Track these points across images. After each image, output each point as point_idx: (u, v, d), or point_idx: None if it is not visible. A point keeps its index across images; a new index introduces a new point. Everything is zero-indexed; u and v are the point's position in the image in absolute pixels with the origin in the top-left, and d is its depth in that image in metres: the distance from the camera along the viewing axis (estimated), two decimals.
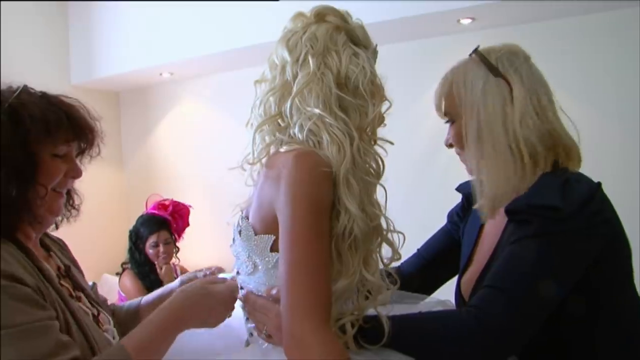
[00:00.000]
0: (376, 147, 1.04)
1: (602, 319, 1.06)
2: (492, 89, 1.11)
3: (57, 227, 1.19)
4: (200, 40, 3.53)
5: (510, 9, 2.80)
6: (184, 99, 4.22)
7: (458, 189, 1.39)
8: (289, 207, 0.91)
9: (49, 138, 1.02)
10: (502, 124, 1.10)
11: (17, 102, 1.00)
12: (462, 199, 1.38)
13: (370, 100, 1.01)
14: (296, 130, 0.99)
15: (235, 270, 1.11)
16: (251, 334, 1.08)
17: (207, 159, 4.03)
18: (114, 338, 1.12)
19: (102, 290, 1.38)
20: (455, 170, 1.35)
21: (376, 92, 1.02)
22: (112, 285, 3.32)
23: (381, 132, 1.05)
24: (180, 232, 3.25)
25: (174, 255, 3.20)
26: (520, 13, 2.87)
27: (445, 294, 1.30)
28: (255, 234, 1.00)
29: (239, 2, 3.31)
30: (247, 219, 1.03)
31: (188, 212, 3.28)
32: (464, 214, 1.36)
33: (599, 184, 1.08)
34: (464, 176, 1.29)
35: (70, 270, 1.14)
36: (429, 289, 1.35)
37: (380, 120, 1.03)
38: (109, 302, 1.32)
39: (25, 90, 1.04)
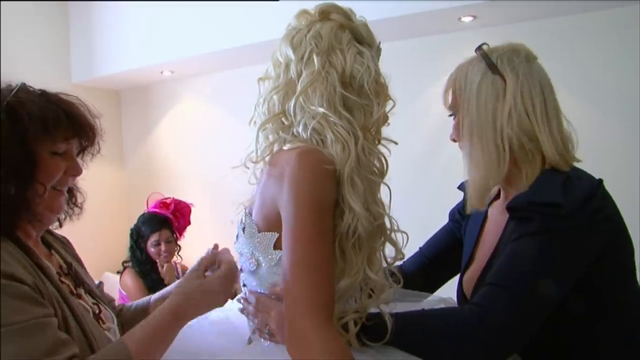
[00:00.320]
0: (378, 146, 1.04)
1: (604, 316, 1.07)
2: (487, 85, 1.13)
3: (60, 225, 1.20)
4: (200, 38, 3.53)
5: (511, 7, 2.79)
6: (185, 97, 4.21)
7: (460, 188, 1.39)
8: (291, 204, 0.91)
9: (47, 136, 1.01)
10: (491, 119, 1.11)
11: (15, 101, 1.00)
12: (464, 196, 1.38)
13: (375, 100, 1.01)
14: (300, 128, 0.99)
15: (239, 268, 1.11)
16: (253, 332, 1.08)
17: (207, 157, 4.03)
18: (116, 336, 1.12)
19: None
20: (455, 169, 1.35)
21: (381, 91, 1.02)
22: (113, 284, 3.31)
23: (382, 130, 1.05)
24: (181, 230, 3.25)
25: (176, 253, 3.19)
26: (521, 11, 2.86)
27: (447, 292, 1.31)
28: (259, 232, 1.01)
29: (239, 1, 3.31)
30: (251, 216, 1.03)
31: (189, 211, 3.28)
32: (465, 212, 1.36)
33: (601, 180, 1.08)
34: (464, 174, 1.29)
35: (72, 268, 1.14)
36: (431, 288, 1.35)
37: (384, 119, 1.04)
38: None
39: (23, 88, 1.04)
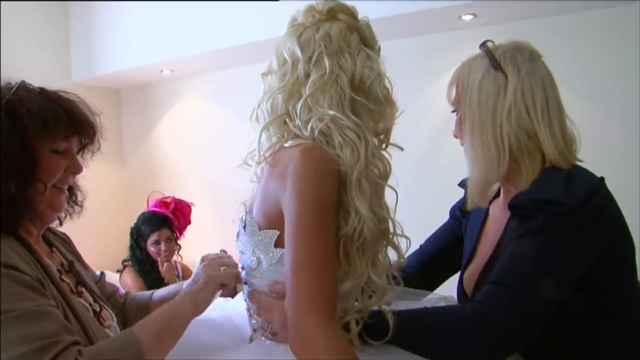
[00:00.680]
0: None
1: (606, 315, 1.06)
2: (489, 82, 1.13)
3: (60, 224, 1.20)
4: (201, 37, 3.52)
5: (512, 5, 2.79)
6: (185, 96, 4.21)
7: (460, 185, 1.39)
8: (294, 202, 0.91)
9: (47, 134, 1.01)
10: (491, 115, 1.11)
11: (15, 98, 1.00)
12: (464, 194, 1.38)
13: (386, 105, 1.01)
14: (305, 130, 0.98)
15: (240, 266, 1.11)
16: (255, 331, 1.08)
17: (208, 155, 4.03)
18: (116, 334, 1.12)
19: None
20: (456, 168, 1.35)
21: (389, 96, 1.03)
22: (113, 283, 3.32)
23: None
24: (181, 229, 3.25)
25: (176, 252, 3.20)
26: (522, 10, 2.86)
27: (448, 290, 1.31)
28: (259, 229, 1.00)
29: (239, 0, 3.31)
30: (252, 214, 1.03)
31: (190, 210, 3.28)
32: (466, 209, 1.36)
33: (602, 179, 1.07)
34: (465, 173, 1.29)
35: (73, 266, 1.15)
36: (432, 285, 1.35)
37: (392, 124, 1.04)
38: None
39: (23, 86, 1.04)
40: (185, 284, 1.24)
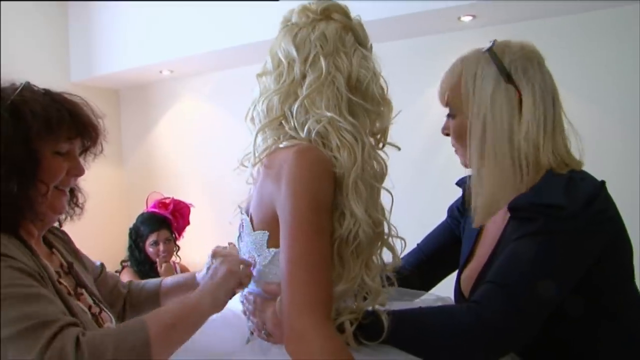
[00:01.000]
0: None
1: (604, 317, 1.06)
2: (502, 96, 1.09)
3: (60, 225, 1.20)
4: (200, 38, 3.52)
5: (511, 6, 2.79)
6: (184, 96, 4.21)
7: (458, 184, 1.38)
8: (289, 202, 0.91)
9: (50, 135, 1.01)
10: (507, 134, 1.08)
11: (19, 99, 1.00)
12: (463, 193, 1.38)
13: (383, 105, 1.01)
14: (302, 131, 0.98)
15: None
16: (251, 332, 1.08)
17: (207, 156, 4.03)
18: None
19: None
20: (454, 169, 1.35)
21: (385, 96, 1.02)
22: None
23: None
24: (180, 230, 3.25)
25: (174, 253, 3.19)
26: (521, 11, 2.86)
27: (445, 291, 1.30)
28: (254, 230, 1.00)
29: (238, 1, 3.30)
30: (248, 214, 1.03)
31: (189, 211, 3.28)
32: (464, 209, 1.36)
33: (603, 182, 1.07)
34: (463, 174, 1.29)
35: (72, 267, 1.14)
36: (429, 284, 1.35)
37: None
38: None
39: (27, 87, 1.04)
40: (199, 275, 1.23)
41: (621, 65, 2.79)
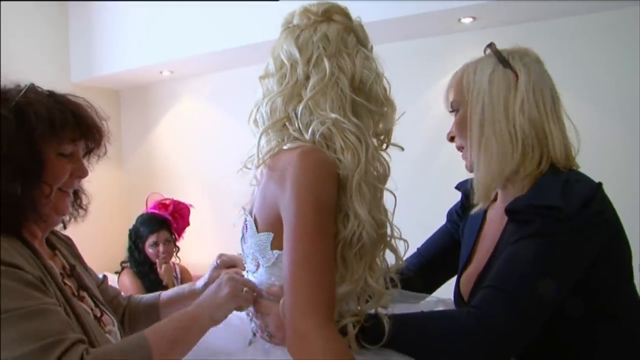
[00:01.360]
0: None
1: (603, 318, 1.07)
2: (499, 77, 1.13)
3: (64, 227, 1.20)
4: (200, 38, 3.53)
5: (511, 8, 2.80)
6: (184, 97, 4.21)
7: (457, 187, 1.39)
8: (293, 204, 0.91)
9: (54, 137, 1.02)
10: (503, 108, 1.11)
11: (24, 101, 1.00)
12: (462, 197, 1.38)
13: (387, 105, 1.01)
14: (307, 133, 0.98)
15: (245, 269, 1.11)
16: (254, 334, 1.08)
17: (207, 157, 4.03)
18: (116, 339, 1.11)
19: None
20: (454, 170, 1.35)
21: (388, 96, 1.02)
22: (112, 284, 3.31)
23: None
24: (180, 231, 3.24)
25: (174, 254, 3.19)
26: (521, 12, 2.86)
27: (446, 293, 1.30)
28: (257, 232, 1.00)
29: (239, 1, 3.31)
30: (251, 216, 1.03)
31: (188, 212, 3.27)
32: (463, 213, 1.36)
33: (600, 184, 1.08)
34: (463, 175, 1.28)
35: (75, 270, 1.14)
36: (430, 288, 1.35)
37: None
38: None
39: (32, 88, 1.04)
40: (199, 284, 1.25)
41: (621, 67, 2.80)
